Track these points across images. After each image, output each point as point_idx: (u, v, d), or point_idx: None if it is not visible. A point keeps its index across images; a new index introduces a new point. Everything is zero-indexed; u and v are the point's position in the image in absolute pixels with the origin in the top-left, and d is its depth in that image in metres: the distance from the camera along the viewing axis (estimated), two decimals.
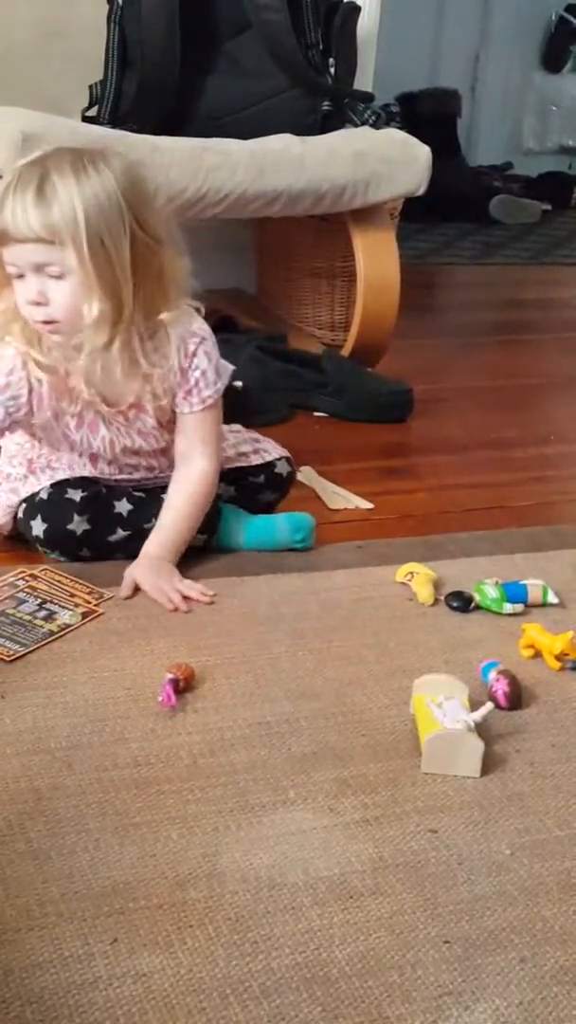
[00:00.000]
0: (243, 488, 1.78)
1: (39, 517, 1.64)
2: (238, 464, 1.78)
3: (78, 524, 1.63)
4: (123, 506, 1.67)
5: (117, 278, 1.50)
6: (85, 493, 1.64)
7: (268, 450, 1.82)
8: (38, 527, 1.64)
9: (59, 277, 1.49)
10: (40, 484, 1.66)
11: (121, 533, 1.66)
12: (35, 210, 1.46)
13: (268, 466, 1.80)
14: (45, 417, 1.62)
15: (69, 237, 1.46)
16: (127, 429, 1.65)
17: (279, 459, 1.81)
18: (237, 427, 1.84)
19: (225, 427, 1.78)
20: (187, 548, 1.67)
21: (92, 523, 1.64)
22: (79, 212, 1.46)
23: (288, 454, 1.83)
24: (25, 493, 1.67)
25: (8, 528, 1.71)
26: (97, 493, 1.66)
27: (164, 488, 1.69)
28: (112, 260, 1.49)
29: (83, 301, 1.50)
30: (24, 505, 1.67)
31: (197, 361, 1.62)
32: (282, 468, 1.81)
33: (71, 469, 1.68)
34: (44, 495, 1.65)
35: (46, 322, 1.52)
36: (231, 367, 1.69)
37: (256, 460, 1.79)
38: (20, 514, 1.67)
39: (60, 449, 1.68)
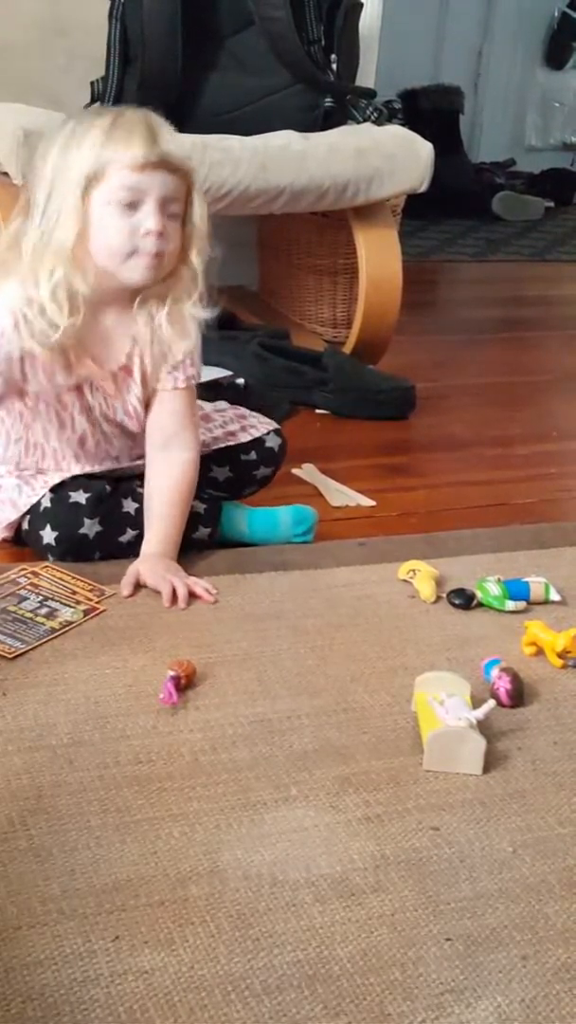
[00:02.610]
0: (237, 467, 1.77)
1: (48, 526, 1.62)
2: (227, 443, 1.76)
3: (90, 527, 1.62)
4: (130, 505, 1.65)
5: (204, 232, 1.57)
6: (89, 494, 1.63)
7: (256, 426, 1.80)
8: (48, 536, 1.62)
9: (175, 217, 1.53)
10: (36, 492, 1.64)
11: (131, 533, 1.65)
12: (171, 137, 1.52)
13: (258, 442, 1.79)
14: (41, 384, 1.58)
15: (191, 177, 1.53)
16: (114, 401, 1.63)
17: (268, 433, 1.80)
18: (223, 405, 1.82)
19: (210, 406, 1.78)
20: (190, 543, 1.67)
21: (103, 524, 1.63)
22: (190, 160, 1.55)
23: (277, 426, 1.82)
24: (24, 504, 1.65)
25: (9, 539, 1.70)
26: (101, 493, 1.64)
27: None
28: (207, 213, 1.57)
29: (190, 248, 1.56)
30: (28, 516, 1.65)
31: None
32: (272, 442, 1.80)
33: (59, 468, 1.66)
34: (47, 503, 1.63)
35: (156, 254, 1.52)
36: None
37: (244, 437, 1.78)
38: (26, 526, 1.65)
39: (49, 432, 1.64)
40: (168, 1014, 0.95)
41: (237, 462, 1.78)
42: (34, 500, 1.64)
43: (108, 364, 1.61)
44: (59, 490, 1.63)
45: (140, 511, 1.65)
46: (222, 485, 1.76)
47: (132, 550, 1.64)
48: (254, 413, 1.83)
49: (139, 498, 1.66)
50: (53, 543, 1.62)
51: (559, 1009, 0.99)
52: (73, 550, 1.63)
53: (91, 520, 1.62)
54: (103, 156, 1.49)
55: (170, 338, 1.60)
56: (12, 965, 0.99)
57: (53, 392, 1.61)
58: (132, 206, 1.50)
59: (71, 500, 1.62)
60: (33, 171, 1.55)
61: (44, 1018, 0.94)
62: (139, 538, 1.64)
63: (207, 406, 1.78)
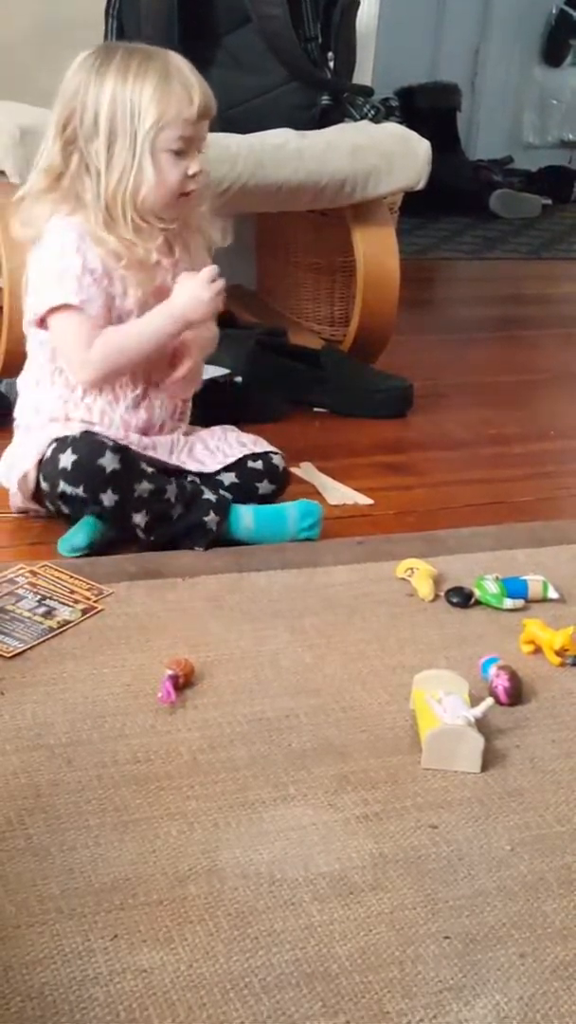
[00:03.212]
0: (242, 474, 1.80)
1: (69, 450, 1.66)
2: (241, 453, 1.80)
3: (109, 461, 1.64)
4: (147, 468, 1.69)
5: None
6: (115, 443, 1.67)
7: (264, 444, 1.84)
8: (67, 459, 1.65)
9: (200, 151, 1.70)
10: (69, 431, 1.69)
11: (147, 486, 1.67)
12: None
13: (265, 456, 1.81)
14: (135, 296, 1.70)
15: None
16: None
17: (276, 453, 1.83)
18: (231, 427, 1.87)
19: (219, 429, 1.84)
20: (196, 534, 1.70)
21: (123, 464, 1.66)
22: None
23: (281, 453, 1.85)
24: (56, 433, 1.70)
25: (32, 483, 1.72)
26: (126, 447, 1.69)
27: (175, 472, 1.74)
28: None
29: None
30: (54, 444, 1.68)
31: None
32: (278, 461, 1.83)
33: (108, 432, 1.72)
34: (76, 434, 1.68)
35: (192, 192, 1.70)
36: None
37: (256, 448, 1.82)
38: (48, 454, 1.68)
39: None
40: (167, 1013, 0.95)
41: (244, 468, 1.80)
42: (64, 434, 1.68)
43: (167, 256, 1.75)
44: (89, 432, 1.69)
45: (155, 475, 1.69)
46: (227, 488, 1.78)
47: (143, 505, 1.66)
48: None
49: (150, 475, 1.69)
50: (69, 467, 1.65)
51: (557, 1007, 0.99)
52: (86, 480, 1.65)
53: (113, 455, 1.65)
54: (168, 111, 1.63)
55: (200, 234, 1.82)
56: (11, 964, 0.99)
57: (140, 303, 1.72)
58: (182, 153, 1.66)
59: (97, 438, 1.67)
60: (71, 100, 1.65)
61: (43, 1017, 0.94)
62: (152, 495, 1.67)
63: (218, 430, 1.85)
